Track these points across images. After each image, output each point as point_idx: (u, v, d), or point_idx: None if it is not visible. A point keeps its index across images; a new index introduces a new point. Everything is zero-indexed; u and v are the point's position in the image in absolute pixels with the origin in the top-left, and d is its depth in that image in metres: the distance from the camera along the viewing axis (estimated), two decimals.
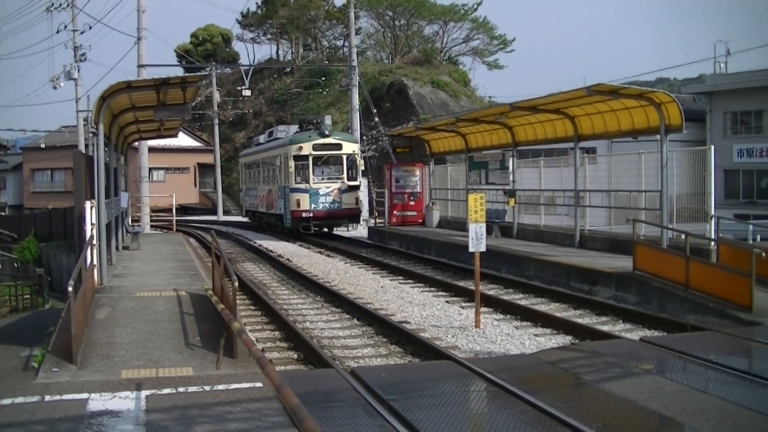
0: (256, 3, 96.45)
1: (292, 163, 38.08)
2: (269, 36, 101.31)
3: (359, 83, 51.26)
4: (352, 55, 51.10)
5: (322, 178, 38.59)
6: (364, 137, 58.26)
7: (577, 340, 14.59)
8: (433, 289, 21.30)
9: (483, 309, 16.93)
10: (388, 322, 16.02)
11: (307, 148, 38.17)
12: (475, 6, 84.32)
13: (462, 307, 18.39)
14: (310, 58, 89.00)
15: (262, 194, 45.96)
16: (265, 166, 45.11)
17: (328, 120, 40.12)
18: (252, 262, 30.52)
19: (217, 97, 71.02)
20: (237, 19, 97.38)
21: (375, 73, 73.50)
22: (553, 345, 14.32)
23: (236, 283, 12.23)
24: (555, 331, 15.63)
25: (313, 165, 38.23)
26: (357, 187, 39.53)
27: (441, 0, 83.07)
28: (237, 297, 13.91)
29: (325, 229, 40.03)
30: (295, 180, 38.20)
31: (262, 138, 50.79)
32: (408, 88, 66.95)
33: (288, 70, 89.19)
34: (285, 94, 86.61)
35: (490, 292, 19.78)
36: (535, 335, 15.34)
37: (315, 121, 41.88)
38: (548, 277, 22.01)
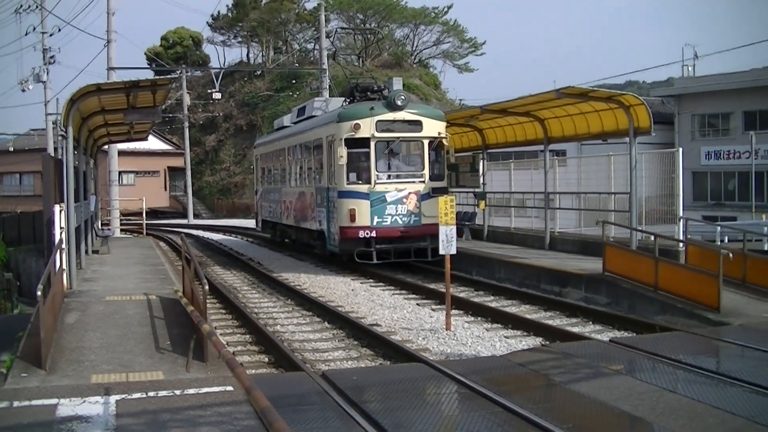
0: (227, 6, 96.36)
1: (342, 152, 23.89)
2: (240, 39, 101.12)
3: (330, 86, 51.22)
4: (322, 58, 51.15)
5: (392, 176, 24.91)
6: None
7: (548, 342, 14.64)
8: (404, 291, 21.34)
9: (454, 311, 16.96)
10: (359, 325, 16.04)
11: (367, 128, 24.30)
12: (446, 9, 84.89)
13: (433, 310, 18.43)
14: (280, 61, 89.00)
15: (289, 199, 31.93)
16: (294, 158, 31.45)
17: (398, 83, 26.21)
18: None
19: (187, 100, 70.73)
20: (207, 22, 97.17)
21: (345, 76, 73.42)
22: (523, 347, 14.36)
23: (207, 287, 12.22)
24: (526, 333, 15.69)
25: (377, 154, 24.57)
26: (444, 191, 24.65)
27: (412, 3, 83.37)
28: (208, 301, 13.87)
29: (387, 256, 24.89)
30: (348, 178, 24.50)
31: (287, 119, 36.41)
32: None
33: (259, 73, 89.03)
34: (256, 98, 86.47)
35: (461, 295, 19.83)
36: (505, 337, 15.40)
37: (377, 88, 28.12)
38: (519, 279, 22.14)
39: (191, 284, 14.41)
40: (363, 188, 24.40)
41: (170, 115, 76.81)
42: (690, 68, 61.65)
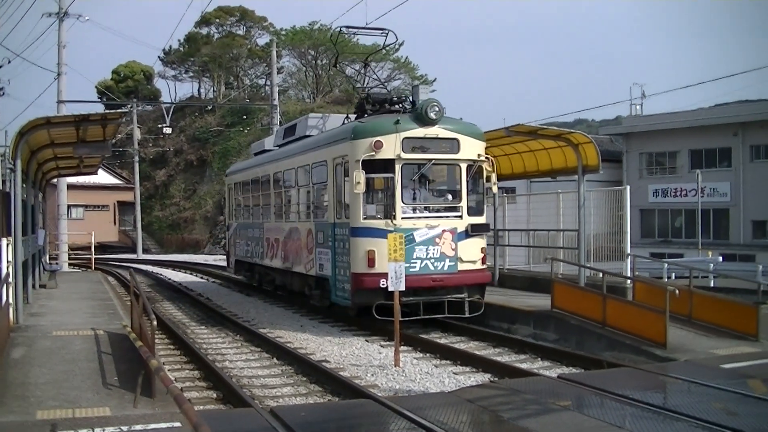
0: (179, 40, 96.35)
1: (359, 177, 18.75)
2: (191, 74, 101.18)
3: (281, 122, 51.24)
4: (273, 94, 51.41)
5: (421, 210, 20.07)
6: None
7: (497, 378, 14.71)
8: (353, 327, 21.27)
9: (403, 348, 16.97)
10: (307, 361, 15.99)
11: (391, 147, 19.36)
12: (397, 47, 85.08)
13: (381, 346, 18.45)
14: (231, 96, 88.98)
15: (275, 237, 26.53)
16: (283, 187, 26.36)
17: (424, 92, 21.47)
18: None
19: (137, 134, 70.47)
20: (159, 56, 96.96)
21: (297, 112, 73.55)
22: (472, 383, 14.43)
23: (155, 322, 12.15)
24: (474, 370, 15.71)
25: (403, 181, 19.62)
26: (485, 228, 21.17)
27: (363, 40, 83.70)
28: (156, 336, 13.78)
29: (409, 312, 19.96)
30: (365, 211, 19.67)
31: (268, 141, 31.16)
32: None
33: (210, 108, 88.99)
34: (206, 132, 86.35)
35: (409, 331, 19.85)
36: (454, 373, 15.42)
37: (397, 98, 22.72)
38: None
39: (140, 319, 14.31)
40: (385, 224, 19.29)
41: (120, 149, 76.42)
42: (638, 107, 62.70)
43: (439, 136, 19.89)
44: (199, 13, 75.01)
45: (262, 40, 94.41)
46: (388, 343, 18.54)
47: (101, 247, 65.81)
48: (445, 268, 19.65)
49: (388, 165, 19.42)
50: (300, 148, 24.35)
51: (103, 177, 76.51)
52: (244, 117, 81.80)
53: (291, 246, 24.54)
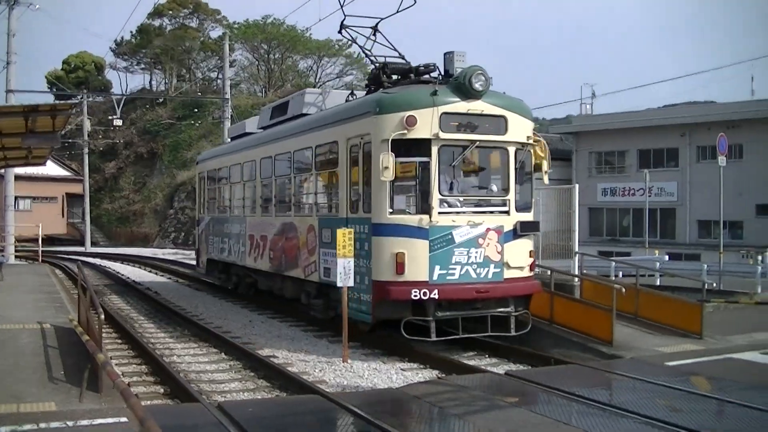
0: (131, 32, 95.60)
1: (387, 160, 15.31)
2: (143, 65, 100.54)
3: (232, 116, 51.08)
4: (225, 87, 51.24)
5: (462, 203, 16.50)
6: None
7: (444, 375, 14.78)
8: (301, 323, 21.23)
9: (351, 343, 16.96)
10: (255, 356, 15.96)
11: (427, 123, 15.76)
12: (350, 42, 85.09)
13: (330, 342, 18.43)
14: (183, 89, 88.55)
15: (261, 233, 22.96)
16: (273, 175, 22.36)
17: (458, 61, 17.37)
18: None
19: (87, 125, 69.83)
20: (111, 47, 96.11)
21: (248, 106, 73.37)
22: (420, 379, 14.52)
23: (102, 316, 12.07)
24: (422, 366, 15.75)
25: (440, 167, 15.99)
26: (535, 227, 18.11)
27: (316, 35, 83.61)
28: (104, 330, 13.68)
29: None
30: (392, 204, 16.11)
31: (250, 123, 27.07)
32: None
33: (161, 100, 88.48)
34: (157, 125, 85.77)
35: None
36: (402, 369, 15.49)
37: (423, 68, 18.11)
38: None
39: (87, 313, 14.21)
40: (418, 221, 15.72)
41: (70, 140, 75.58)
42: (588, 106, 63.28)
43: (485, 112, 16.25)
44: (152, 5, 74.37)
45: (215, 33, 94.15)
46: (336, 338, 18.44)
47: (49, 240, 64.96)
48: (489, 275, 16.07)
49: (422, 146, 15.79)
50: (297, 128, 20.81)
51: (51, 168, 75.58)
52: (196, 110, 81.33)
53: (284, 245, 21.00)
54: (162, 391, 13.80)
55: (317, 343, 18.28)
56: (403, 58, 19.35)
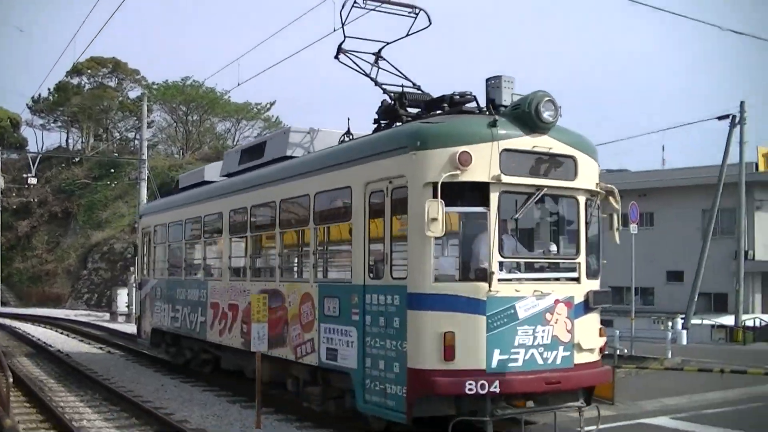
0: (48, 89, 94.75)
1: (435, 210, 11.55)
2: (60, 123, 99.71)
3: (149, 177, 50.99)
4: (143, 148, 51.27)
5: (523, 267, 13.36)
6: None
7: None
8: (215, 388, 21.16)
9: (265, 409, 16.98)
10: (168, 422, 15.94)
11: (485, 163, 12.27)
12: (268, 106, 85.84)
13: (243, 407, 18.32)
14: (100, 148, 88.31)
15: (230, 301, 19.26)
16: (251, 229, 18.62)
17: (506, 89, 13.60)
18: None
19: (1, 183, 69.00)
20: (27, 104, 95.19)
21: (165, 168, 73.31)
22: None
23: (11, 379, 12.07)
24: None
25: (500, 220, 12.50)
26: (607, 298, 13.97)
27: (235, 98, 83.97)
28: (12, 393, 13.62)
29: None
30: (438, 267, 12.64)
31: (210, 170, 23.50)
32: None
33: (77, 159, 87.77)
34: (72, 184, 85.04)
35: (273, 392, 19.81)
36: None
37: (458, 96, 14.11)
38: None
39: None
40: (473, 290, 12.17)
41: None
42: None
43: (552, 150, 12.92)
44: (71, 63, 74.00)
45: (134, 93, 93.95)
46: (249, 404, 18.36)
47: None
48: (558, 360, 12.61)
49: (477, 193, 12.32)
50: (283, 172, 17.11)
51: None
52: (112, 170, 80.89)
53: (266, 318, 16.07)
54: None
55: (230, 408, 18.26)
56: (418, 88, 15.95)
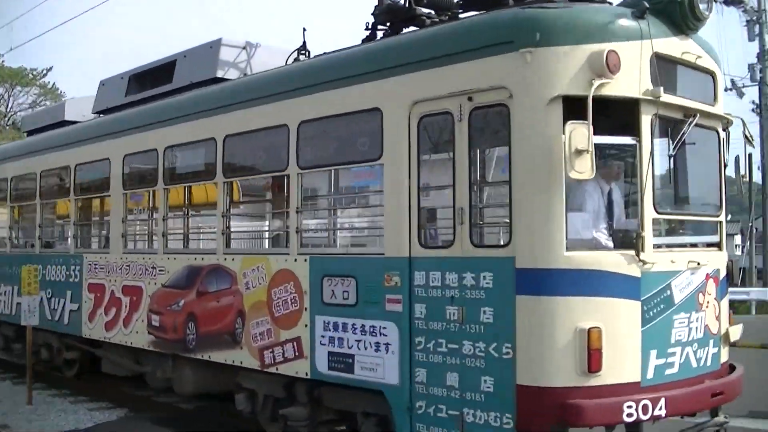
0: None
1: (581, 137, 7.21)
2: None
3: None
4: None
5: (676, 229, 9.25)
6: None
7: (134, 413, 14.51)
8: None
9: (37, 385, 16.27)
10: None
11: (634, 70, 7.93)
12: (45, 72, 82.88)
13: (14, 384, 17.57)
14: None
15: (126, 283, 13.61)
16: (169, 177, 12.88)
17: None
18: None
19: None
20: None
21: None
22: (109, 419, 14.16)
23: None
24: (111, 405, 15.19)
25: (652, 159, 8.08)
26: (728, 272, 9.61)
27: (10, 62, 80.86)
28: None
29: None
30: (569, 227, 7.85)
31: (73, 105, 18.09)
32: None
33: None
34: None
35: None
36: (89, 410, 14.91)
37: None
38: None
39: None
40: (624, 263, 7.93)
41: None
42: None
43: (698, 62, 9.03)
44: None
45: None
46: (21, 380, 17.51)
47: None
48: (708, 361, 8.84)
49: (624, 115, 8.22)
50: (233, 96, 11.74)
51: None
52: None
53: (197, 308, 11.82)
54: None
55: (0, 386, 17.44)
56: None
